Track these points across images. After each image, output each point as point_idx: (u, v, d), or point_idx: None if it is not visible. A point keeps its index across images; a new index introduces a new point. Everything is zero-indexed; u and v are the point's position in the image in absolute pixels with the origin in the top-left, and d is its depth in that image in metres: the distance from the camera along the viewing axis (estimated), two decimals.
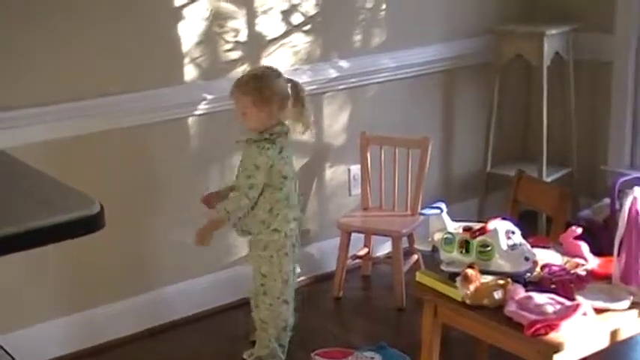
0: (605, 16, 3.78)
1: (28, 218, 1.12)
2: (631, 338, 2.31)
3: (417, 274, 2.35)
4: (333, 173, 3.61)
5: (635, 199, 2.14)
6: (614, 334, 2.09)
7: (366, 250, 3.55)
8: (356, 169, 3.60)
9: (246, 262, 2.95)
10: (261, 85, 2.75)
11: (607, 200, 3.55)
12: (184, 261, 3.25)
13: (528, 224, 3.04)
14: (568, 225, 2.70)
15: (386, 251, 3.71)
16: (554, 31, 3.70)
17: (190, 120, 3.17)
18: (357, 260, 3.56)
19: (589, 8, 3.84)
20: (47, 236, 1.13)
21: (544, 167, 3.77)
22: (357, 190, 3.61)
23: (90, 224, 1.19)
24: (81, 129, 2.89)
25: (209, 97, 3.16)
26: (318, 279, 3.57)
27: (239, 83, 2.79)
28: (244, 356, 2.92)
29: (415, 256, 3.43)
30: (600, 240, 2.70)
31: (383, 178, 3.46)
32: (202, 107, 3.17)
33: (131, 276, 3.13)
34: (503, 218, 2.34)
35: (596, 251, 2.40)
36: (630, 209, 2.13)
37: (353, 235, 3.38)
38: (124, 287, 3.11)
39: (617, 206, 3.46)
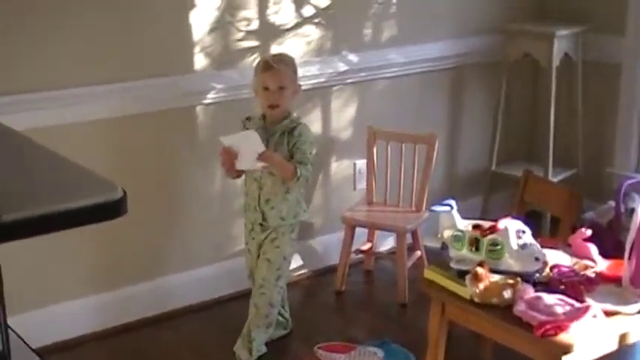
0: (615, 18, 3.77)
1: (53, 201, 1.11)
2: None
3: (425, 270, 2.35)
4: (339, 167, 3.60)
5: None
6: (622, 337, 2.10)
7: (369, 244, 3.54)
8: (361, 163, 3.59)
9: (262, 254, 2.87)
10: (294, 63, 2.84)
11: (612, 203, 3.54)
12: (188, 250, 3.24)
13: (531, 224, 3.03)
14: (572, 227, 2.70)
15: (389, 246, 3.70)
16: (564, 32, 3.69)
17: (198, 109, 3.16)
18: (360, 255, 3.55)
19: (599, 9, 3.83)
20: (71, 220, 1.12)
21: (550, 168, 3.77)
22: (362, 185, 3.60)
23: (113, 210, 1.17)
24: (90, 115, 2.87)
25: (218, 86, 3.14)
26: (320, 272, 3.56)
27: (276, 57, 2.83)
28: (241, 356, 2.84)
29: (418, 252, 3.42)
30: (604, 242, 2.70)
31: (388, 174, 3.45)
32: (211, 96, 3.15)
33: (137, 263, 3.12)
34: (514, 217, 2.33)
35: (600, 253, 2.40)
36: None
37: (356, 229, 3.38)
38: (130, 274, 3.11)
39: (622, 209, 3.46)
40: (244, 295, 3.23)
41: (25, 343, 1.61)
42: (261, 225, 2.84)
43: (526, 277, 2.18)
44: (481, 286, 2.13)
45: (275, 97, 2.74)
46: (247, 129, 2.82)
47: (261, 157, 2.68)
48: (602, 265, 2.33)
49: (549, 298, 2.10)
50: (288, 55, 2.91)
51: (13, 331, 1.63)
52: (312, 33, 3.37)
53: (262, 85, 2.75)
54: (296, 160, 2.76)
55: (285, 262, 2.87)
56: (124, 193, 1.21)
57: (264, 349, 2.87)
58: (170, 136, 3.11)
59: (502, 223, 2.26)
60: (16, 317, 2.64)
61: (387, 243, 3.71)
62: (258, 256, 2.88)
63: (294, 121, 2.82)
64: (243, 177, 2.88)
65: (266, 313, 2.85)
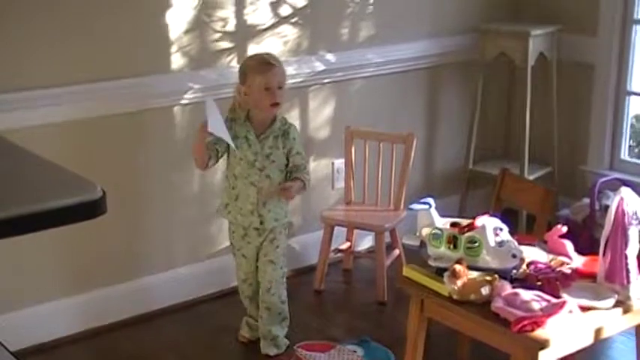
0: (589, 19, 3.82)
1: (32, 201, 1.10)
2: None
3: (404, 268, 2.36)
4: (317, 166, 3.61)
5: (621, 199, 2.16)
6: (598, 332, 2.13)
7: (348, 244, 3.55)
8: (339, 162, 3.60)
9: (263, 256, 2.86)
10: None
11: (586, 200, 3.60)
12: (167, 251, 3.23)
13: (508, 222, 3.07)
14: (548, 224, 2.74)
15: (367, 245, 3.72)
16: (539, 32, 3.73)
17: (176, 109, 3.15)
18: (339, 254, 3.56)
19: (573, 10, 3.88)
20: (50, 220, 1.11)
21: (525, 166, 3.81)
22: (340, 184, 3.62)
23: (92, 209, 1.17)
24: (67, 115, 2.85)
25: (196, 86, 3.14)
26: (299, 272, 3.56)
27: (273, 58, 2.82)
28: (270, 352, 2.88)
29: (397, 251, 3.44)
30: (579, 239, 2.74)
31: (366, 173, 3.46)
32: (188, 97, 3.15)
33: (115, 264, 3.10)
34: (491, 215, 2.36)
35: (575, 250, 2.43)
36: (617, 209, 2.16)
37: (335, 228, 3.39)
38: (108, 275, 3.09)
39: (597, 206, 3.51)
40: (224, 295, 3.24)
41: (3, 346, 1.60)
42: (256, 229, 2.83)
43: (503, 274, 2.21)
44: (459, 283, 2.15)
45: (279, 95, 2.74)
46: (232, 130, 2.76)
47: (284, 194, 2.76)
48: (577, 261, 2.36)
49: (526, 294, 2.12)
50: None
51: None
52: (289, 33, 3.38)
53: (264, 86, 2.71)
54: (296, 164, 2.81)
55: (284, 258, 2.91)
56: (104, 192, 1.21)
57: (287, 342, 2.91)
58: (147, 136, 3.10)
59: (479, 221, 2.28)
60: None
61: (365, 242, 3.74)
62: (257, 259, 2.88)
63: (284, 123, 2.83)
64: (229, 181, 2.84)
65: (279, 311, 2.90)
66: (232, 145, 2.68)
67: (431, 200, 2.38)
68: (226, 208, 2.86)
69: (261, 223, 2.80)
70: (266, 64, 2.75)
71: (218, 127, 2.61)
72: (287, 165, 2.82)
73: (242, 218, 2.82)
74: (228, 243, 3.00)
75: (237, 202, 2.82)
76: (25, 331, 2.86)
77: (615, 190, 2.31)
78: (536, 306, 2.07)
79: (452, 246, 2.26)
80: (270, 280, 2.85)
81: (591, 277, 2.25)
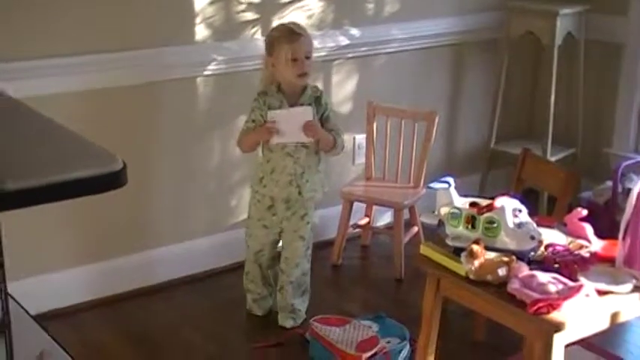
0: None
1: (55, 172, 1.12)
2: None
3: (421, 246, 2.36)
4: None
5: None
6: (614, 316, 2.11)
7: (366, 219, 3.55)
8: (361, 138, 3.59)
9: (293, 231, 2.87)
10: None
11: (609, 183, 3.56)
12: (183, 222, 3.25)
13: (529, 203, 3.05)
14: (569, 206, 2.72)
15: (386, 222, 3.73)
16: (567, 11, 3.67)
17: (198, 80, 3.15)
18: (358, 229, 3.57)
19: None
20: (73, 190, 1.13)
21: (549, 147, 3.77)
22: (360, 160, 3.61)
23: (114, 180, 1.19)
24: (88, 84, 2.86)
25: (219, 58, 3.13)
26: (317, 246, 3.55)
27: (300, 27, 2.78)
28: (287, 325, 2.91)
29: (415, 228, 3.44)
30: (600, 222, 2.71)
31: (387, 149, 3.45)
32: (211, 68, 3.15)
33: (131, 234, 3.13)
34: (511, 196, 2.34)
35: (595, 233, 2.41)
36: (639, 193, 2.14)
37: (354, 204, 3.39)
38: (123, 244, 3.12)
39: (620, 189, 3.48)
40: (241, 267, 3.26)
41: (24, 309, 1.64)
42: (286, 202, 2.82)
43: (521, 256, 2.20)
44: (476, 263, 2.14)
45: (306, 65, 2.72)
46: (266, 104, 2.77)
47: (307, 128, 2.69)
48: (596, 244, 2.34)
49: (543, 277, 2.11)
50: None
51: (12, 298, 1.65)
52: (314, 6, 3.36)
53: (291, 57, 2.69)
54: (329, 128, 2.80)
55: (311, 233, 2.92)
56: (124, 164, 1.23)
57: (304, 315, 2.94)
58: (169, 107, 3.11)
59: (499, 202, 2.27)
60: (11, 284, 2.68)
61: (384, 218, 3.74)
62: (279, 232, 2.89)
63: (315, 90, 2.82)
64: (261, 153, 2.84)
65: (301, 283, 2.92)
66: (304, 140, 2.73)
67: (450, 179, 2.37)
68: (261, 182, 2.84)
69: (299, 193, 2.80)
70: (293, 33, 2.72)
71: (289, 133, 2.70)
72: None
73: (279, 190, 2.81)
74: (246, 215, 3.02)
75: (272, 174, 2.81)
76: (43, 296, 2.89)
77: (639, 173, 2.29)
78: (552, 288, 2.06)
79: (470, 226, 2.25)
80: (298, 255, 2.87)
81: (610, 261, 2.23)
